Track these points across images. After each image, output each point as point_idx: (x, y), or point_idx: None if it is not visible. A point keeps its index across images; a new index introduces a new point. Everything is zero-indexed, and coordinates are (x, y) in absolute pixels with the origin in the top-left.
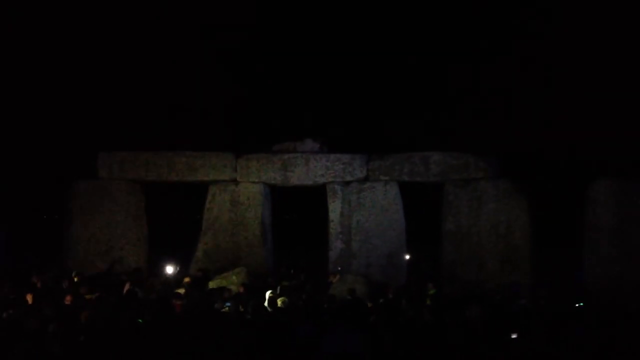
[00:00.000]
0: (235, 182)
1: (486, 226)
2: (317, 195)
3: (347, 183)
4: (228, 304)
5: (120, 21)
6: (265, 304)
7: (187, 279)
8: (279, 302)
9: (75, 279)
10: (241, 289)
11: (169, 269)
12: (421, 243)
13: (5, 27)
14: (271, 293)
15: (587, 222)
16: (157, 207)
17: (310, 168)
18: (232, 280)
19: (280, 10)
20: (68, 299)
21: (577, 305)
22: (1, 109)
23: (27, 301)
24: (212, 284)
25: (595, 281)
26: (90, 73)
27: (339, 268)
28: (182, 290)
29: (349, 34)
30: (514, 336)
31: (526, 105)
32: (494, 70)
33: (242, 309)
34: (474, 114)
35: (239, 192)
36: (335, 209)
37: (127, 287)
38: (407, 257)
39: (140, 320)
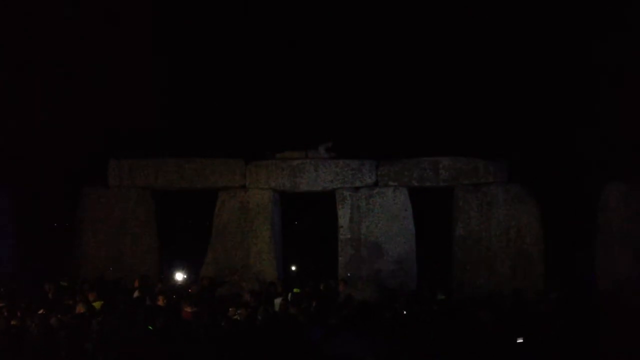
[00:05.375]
0: (244, 188)
1: (497, 231)
2: (326, 201)
3: (357, 189)
4: (238, 311)
5: (128, 27)
6: (275, 310)
7: (194, 287)
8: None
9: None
10: (251, 296)
11: (179, 276)
12: (431, 248)
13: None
14: (281, 300)
15: (598, 226)
16: (167, 214)
17: (319, 174)
18: (242, 287)
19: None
20: (79, 309)
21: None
22: (11, 117)
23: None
24: (221, 291)
25: (607, 284)
26: (100, 79)
27: (349, 274)
28: (192, 298)
29: (356, 35)
30: (519, 340)
31: (536, 108)
32: (504, 73)
33: (252, 316)
34: (482, 117)
35: (248, 198)
36: (344, 215)
37: (135, 294)
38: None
39: (150, 327)
